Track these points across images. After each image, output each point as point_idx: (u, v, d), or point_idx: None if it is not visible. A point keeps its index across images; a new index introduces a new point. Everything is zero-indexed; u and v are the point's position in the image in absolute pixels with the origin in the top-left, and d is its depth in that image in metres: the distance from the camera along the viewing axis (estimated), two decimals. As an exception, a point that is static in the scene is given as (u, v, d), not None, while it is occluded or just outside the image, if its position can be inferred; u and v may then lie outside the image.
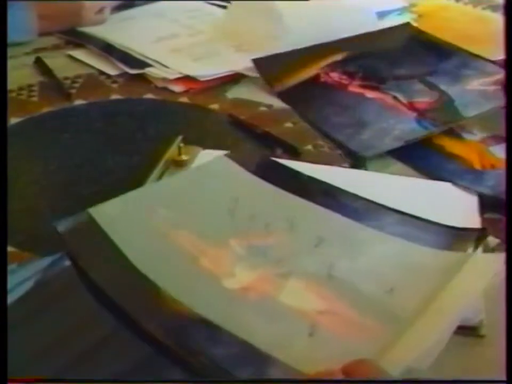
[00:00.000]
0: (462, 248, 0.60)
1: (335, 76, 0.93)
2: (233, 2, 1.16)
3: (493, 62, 0.97)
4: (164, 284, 0.56)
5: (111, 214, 0.63)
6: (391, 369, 0.48)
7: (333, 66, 0.95)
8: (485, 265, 0.57)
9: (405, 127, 0.82)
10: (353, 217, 0.65)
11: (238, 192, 0.67)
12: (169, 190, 0.68)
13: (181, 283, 0.56)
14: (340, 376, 0.48)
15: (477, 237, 0.62)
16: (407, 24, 1.05)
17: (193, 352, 0.50)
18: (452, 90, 0.89)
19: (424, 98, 0.87)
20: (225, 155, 0.72)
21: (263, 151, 0.78)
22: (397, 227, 0.63)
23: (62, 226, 0.61)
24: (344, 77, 0.93)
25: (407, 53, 0.99)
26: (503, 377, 0.49)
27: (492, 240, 0.62)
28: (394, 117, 0.84)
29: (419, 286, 0.55)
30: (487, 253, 0.61)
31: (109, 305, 0.54)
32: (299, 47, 1.01)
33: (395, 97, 0.87)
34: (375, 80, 0.91)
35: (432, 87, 0.89)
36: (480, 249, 0.60)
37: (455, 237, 0.62)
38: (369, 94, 0.89)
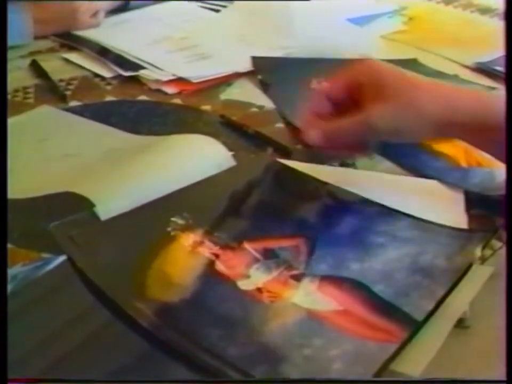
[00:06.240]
0: (472, 249, 0.61)
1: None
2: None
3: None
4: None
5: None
6: (410, 371, 0.50)
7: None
8: (479, 275, 0.59)
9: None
10: (365, 221, 0.66)
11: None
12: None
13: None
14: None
15: (485, 238, 0.63)
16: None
17: (207, 352, 0.50)
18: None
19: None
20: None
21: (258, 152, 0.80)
22: (409, 231, 0.64)
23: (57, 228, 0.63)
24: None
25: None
26: (489, 365, 0.51)
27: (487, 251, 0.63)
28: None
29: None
30: (482, 262, 0.62)
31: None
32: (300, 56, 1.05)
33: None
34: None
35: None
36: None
37: (466, 239, 0.63)
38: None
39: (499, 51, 1.02)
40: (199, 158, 0.74)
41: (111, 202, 0.66)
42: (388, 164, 0.77)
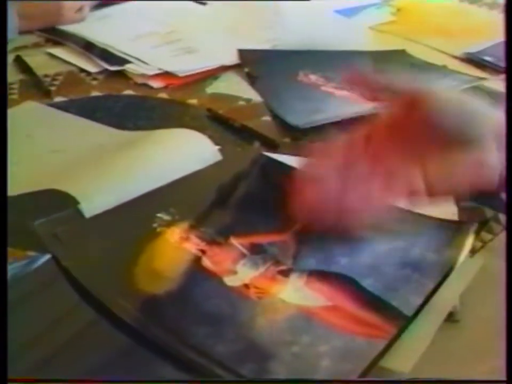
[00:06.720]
0: (461, 241, 0.61)
1: (313, 77, 0.94)
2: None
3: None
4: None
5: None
6: (399, 367, 0.49)
7: (313, 70, 0.96)
8: (469, 268, 0.58)
9: (353, 108, 0.83)
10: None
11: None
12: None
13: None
14: None
15: (475, 230, 0.63)
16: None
17: (194, 349, 0.50)
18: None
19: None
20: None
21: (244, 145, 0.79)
22: (398, 224, 0.63)
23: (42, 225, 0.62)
24: (321, 79, 0.94)
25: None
26: (480, 359, 0.50)
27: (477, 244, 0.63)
28: (350, 104, 0.86)
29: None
30: (472, 255, 0.61)
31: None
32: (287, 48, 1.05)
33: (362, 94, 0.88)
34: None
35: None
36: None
37: (456, 231, 0.63)
38: (339, 93, 0.90)
39: (488, 41, 1.03)
40: (185, 152, 0.73)
41: (96, 199, 0.65)
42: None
